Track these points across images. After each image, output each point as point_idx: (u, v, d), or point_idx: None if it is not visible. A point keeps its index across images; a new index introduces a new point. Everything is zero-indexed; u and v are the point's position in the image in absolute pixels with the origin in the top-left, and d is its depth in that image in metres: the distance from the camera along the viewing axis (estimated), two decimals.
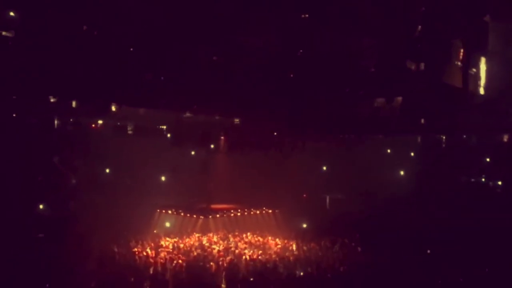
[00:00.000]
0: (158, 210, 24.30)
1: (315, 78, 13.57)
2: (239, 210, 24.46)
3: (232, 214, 24.16)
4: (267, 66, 13.31)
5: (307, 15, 11.92)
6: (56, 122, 18.16)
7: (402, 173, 26.60)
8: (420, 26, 13.01)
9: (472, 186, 24.54)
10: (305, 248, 20.80)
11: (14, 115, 16.15)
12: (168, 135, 24.47)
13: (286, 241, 22.10)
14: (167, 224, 24.10)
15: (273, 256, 19.58)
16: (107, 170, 25.90)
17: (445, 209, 21.77)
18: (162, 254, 18.97)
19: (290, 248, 21.06)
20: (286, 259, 18.87)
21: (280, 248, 21.15)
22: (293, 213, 25.83)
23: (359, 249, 20.15)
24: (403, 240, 19.69)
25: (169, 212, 24.18)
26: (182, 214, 23.89)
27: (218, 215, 23.63)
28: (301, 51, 13.03)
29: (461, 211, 20.92)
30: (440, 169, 23.51)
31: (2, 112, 15.59)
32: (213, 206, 24.57)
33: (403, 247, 18.83)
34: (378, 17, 12.16)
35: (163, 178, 26.81)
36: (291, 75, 13.99)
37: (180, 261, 18.00)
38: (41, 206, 22.67)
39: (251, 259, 18.65)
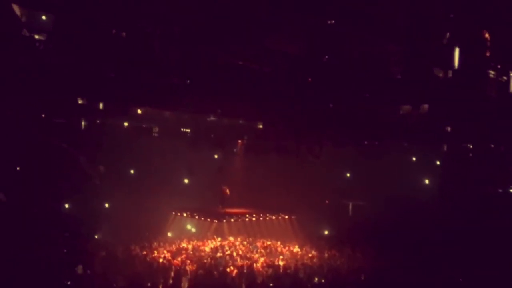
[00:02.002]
0: (173, 213, 24.36)
1: (340, 84, 13.50)
2: (254, 215, 24.24)
3: (247, 219, 23.96)
4: (292, 71, 13.30)
5: (333, 21, 11.85)
6: (83, 123, 18.54)
7: (427, 181, 26.13)
8: (448, 33, 12.80)
9: (499, 197, 23.92)
10: (326, 255, 20.67)
11: (42, 115, 16.54)
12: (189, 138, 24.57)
13: (305, 247, 21.97)
14: (188, 227, 24.25)
15: (290, 261, 19.50)
16: (132, 171, 26.24)
17: (470, 219, 21.30)
18: (180, 257, 19.09)
19: (311, 254, 20.95)
20: (306, 265, 18.78)
21: (300, 254, 21.05)
22: (312, 219, 25.60)
23: (381, 257, 19.89)
24: (426, 249, 19.37)
25: (184, 215, 24.18)
26: (196, 217, 23.87)
27: (232, 220, 23.49)
28: (326, 57, 12.96)
29: (487, 222, 20.42)
30: (466, 179, 23.02)
31: (31, 113, 15.99)
32: (228, 210, 24.53)
33: (426, 257, 18.52)
34: (405, 23, 12.02)
35: (186, 181, 26.97)
36: (316, 80, 13.95)
37: (198, 264, 18.09)
38: (66, 205, 23.10)
39: (271, 265, 18.60)
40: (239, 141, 25.52)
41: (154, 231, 22.75)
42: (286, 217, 25.12)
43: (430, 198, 24.09)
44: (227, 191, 24.91)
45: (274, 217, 24.91)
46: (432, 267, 17.31)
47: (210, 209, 24.73)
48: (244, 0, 10.94)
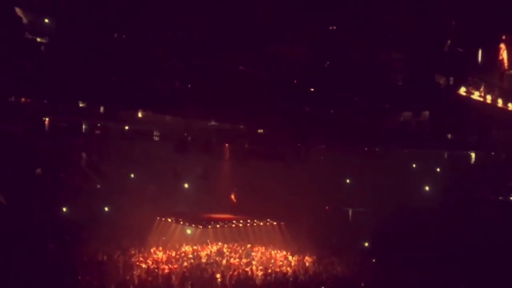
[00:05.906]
0: (158, 218, 23.99)
1: (341, 90, 13.48)
2: (240, 221, 23.75)
3: (233, 225, 23.48)
4: (293, 77, 13.29)
5: (335, 27, 11.84)
6: (84, 126, 18.52)
7: (427, 188, 26.08)
8: (449, 40, 12.81)
9: (500, 205, 23.86)
10: (325, 261, 20.61)
11: (44, 118, 16.54)
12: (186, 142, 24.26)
13: (303, 254, 21.83)
14: (188, 231, 24.11)
15: (288, 267, 19.42)
16: (131, 175, 26.18)
17: (471, 227, 21.23)
18: (174, 264, 18.99)
19: (309, 260, 20.88)
20: (305, 271, 18.73)
21: (297, 260, 20.95)
22: (310, 226, 25.28)
23: (381, 263, 19.84)
24: (425, 256, 19.31)
25: (169, 220, 23.75)
26: (181, 222, 23.44)
27: (218, 225, 23.05)
28: (328, 62, 12.94)
29: (488, 230, 20.34)
30: (467, 186, 22.98)
31: (32, 116, 15.99)
32: (214, 215, 24.14)
33: (425, 264, 18.46)
34: (407, 30, 12.03)
35: (186, 185, 26.87)
36: (316, 86, 13.93)
37: (195, 270, 18.01)
38: (64, 209, 23.06)
39: (271, 272, 18.53)
40: (226, 145, 25.05)
41: (146, 236, 22.48)
42: (275, 223, 24.54)
43: (430, 205, 24.02)
44: (233, 197, 24.69)
45: (262, 223, 24.30)
46: (430, 273, 17.28)
47: (196, 214, 24.39)
48: (246, 7, 10.93)
